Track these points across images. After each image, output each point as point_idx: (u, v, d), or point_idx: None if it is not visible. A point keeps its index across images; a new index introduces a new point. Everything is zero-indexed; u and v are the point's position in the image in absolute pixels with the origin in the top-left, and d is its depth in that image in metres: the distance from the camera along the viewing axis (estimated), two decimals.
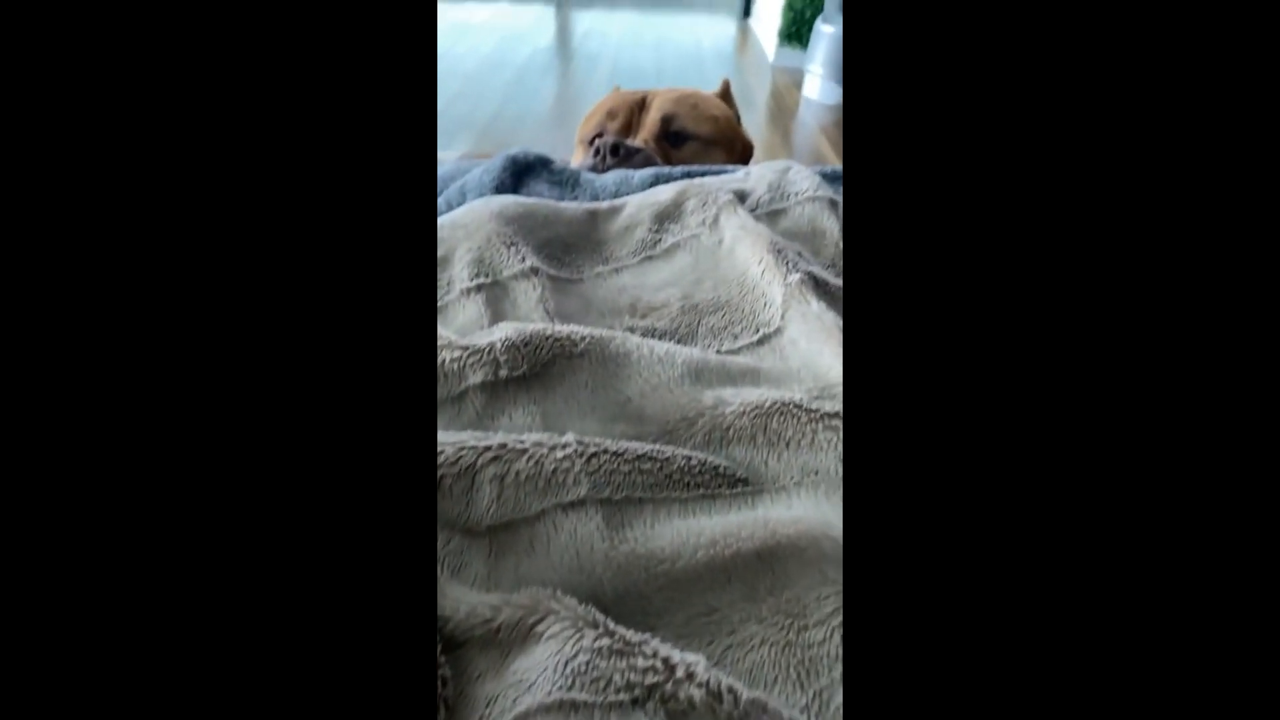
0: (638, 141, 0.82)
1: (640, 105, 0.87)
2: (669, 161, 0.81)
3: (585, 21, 3.55)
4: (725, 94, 0.96)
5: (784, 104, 2.46)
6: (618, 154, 0.75)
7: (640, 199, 0.59)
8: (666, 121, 0.83)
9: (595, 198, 0.66)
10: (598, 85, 2.55)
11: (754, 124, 2.21)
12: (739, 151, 0.90)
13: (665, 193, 0.59)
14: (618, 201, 0.60)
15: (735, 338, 0.45)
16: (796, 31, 2.86)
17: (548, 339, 0.40)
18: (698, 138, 0.84)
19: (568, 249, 0.54)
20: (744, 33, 3.44)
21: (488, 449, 0.33)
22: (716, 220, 0.54)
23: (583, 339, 0.41)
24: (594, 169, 0.75)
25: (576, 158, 0.91)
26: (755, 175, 0.62)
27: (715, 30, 3.45)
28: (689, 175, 0.67)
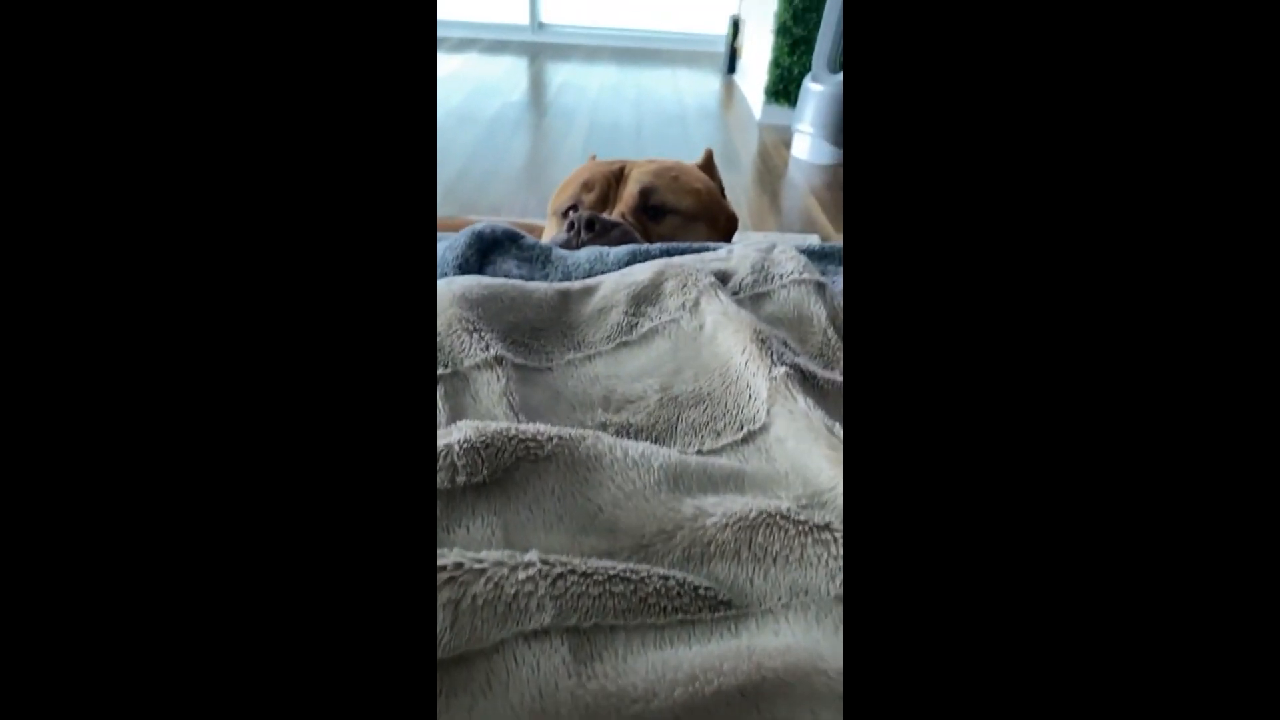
0: (615, 215, 0.84)
1: (618, 176, 0.90)
2: (648, 237, 0.83)
3: (561, 74, 3.67)
4: (708, 164, 0.99)
5: (772, 163, 2.54)
6: (593, 228, 0.77)
7: (616, 279, 0.60)
8: (646, 194, 0.85)
9: (567, 276, 0.67)
10: (573, 143, 2.62)
11: (740, 185, 2.27)
12: (722, 226, 0.92)
13: (643, 273, 0.60)
14: (591, 281, 0.61)
15: (718, 435, 0.46)
16: (784, 89, 2.98)
17: (511, 440, 0.40)
18: (678, 212, 0.86)
19: (536, 334, 0.55)
20: (729, 89, 3.57)
21: (442, 569, 0.32)
22: (697, 304, 0.55)
23: (550, 440, 0.41)
24: (567, 244, 0.77)
25: (548, 231, 0.93)
26: (738, 255, 0.64)
27: (698, 86, 3.58)
28: (668, 253, 0.69)
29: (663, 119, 2.96)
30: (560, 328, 0.56)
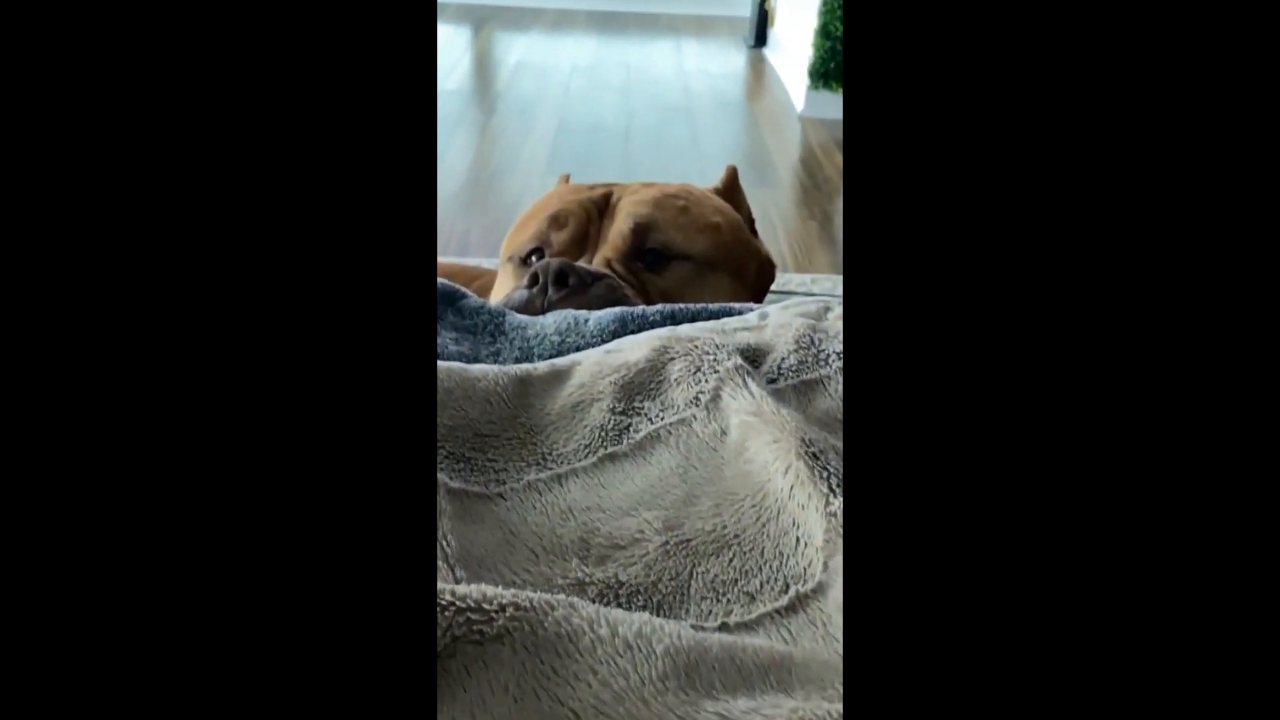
0: (596, 263, 0.86)
1: (601, 207, 0.91)
2: (645, 295, 0.84)
3: (516, 49, 3.76)
4: (731, 186, 1.02)
5: (820, 175, 2.59)
6: (565, 283, 0.78)
7: (598, 359, 0.61)
8: (641, 232, 0.87)
9: (527, 354, 0.68)
10: (534, 153, 2.67)
11: (778, 207, 2.31)
12: (752, 276, 0.93)
13: (636, 350, 0.61)
14: (562, 363, 0.61)
15: (751, 599, 0.46)
16: (836, 68, 3.05)
17: (445, 611, 0.39)
18: (688, 257, 0.87)
19: (482, 442, 0.55)
20: (757, 69, 3.66)
21: None
22: (717, 398, 0.56)
23: (502, 610, 0.40)
24: (528, 305, 0.78)
25: (501, 284, 0.94)
26: (775, 323, 0.65)
27: (713, 64, 3.67)
28: (673, 319, 0.70)
29: (662, 115, 3.03)
30: (517, 432, 0.56)
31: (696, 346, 0.59)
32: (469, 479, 0.52)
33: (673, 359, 0.59)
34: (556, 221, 0.90)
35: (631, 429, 0.56)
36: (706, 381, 0.57)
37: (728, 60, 3.78)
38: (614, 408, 0.57)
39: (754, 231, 1.02)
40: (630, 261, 0.86)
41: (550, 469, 0.54)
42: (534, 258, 0.90)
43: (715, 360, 0.58)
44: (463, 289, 0.75)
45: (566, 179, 1.09)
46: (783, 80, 3.43)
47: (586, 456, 0.54)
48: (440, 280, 0.74)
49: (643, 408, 0.57)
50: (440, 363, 0.59)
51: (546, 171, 2.45)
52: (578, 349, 0.67)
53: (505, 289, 0.90)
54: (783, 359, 0.60)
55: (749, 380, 0.56)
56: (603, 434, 0.55)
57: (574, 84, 3.31)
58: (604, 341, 0.67)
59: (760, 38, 3.92)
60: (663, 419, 0.56)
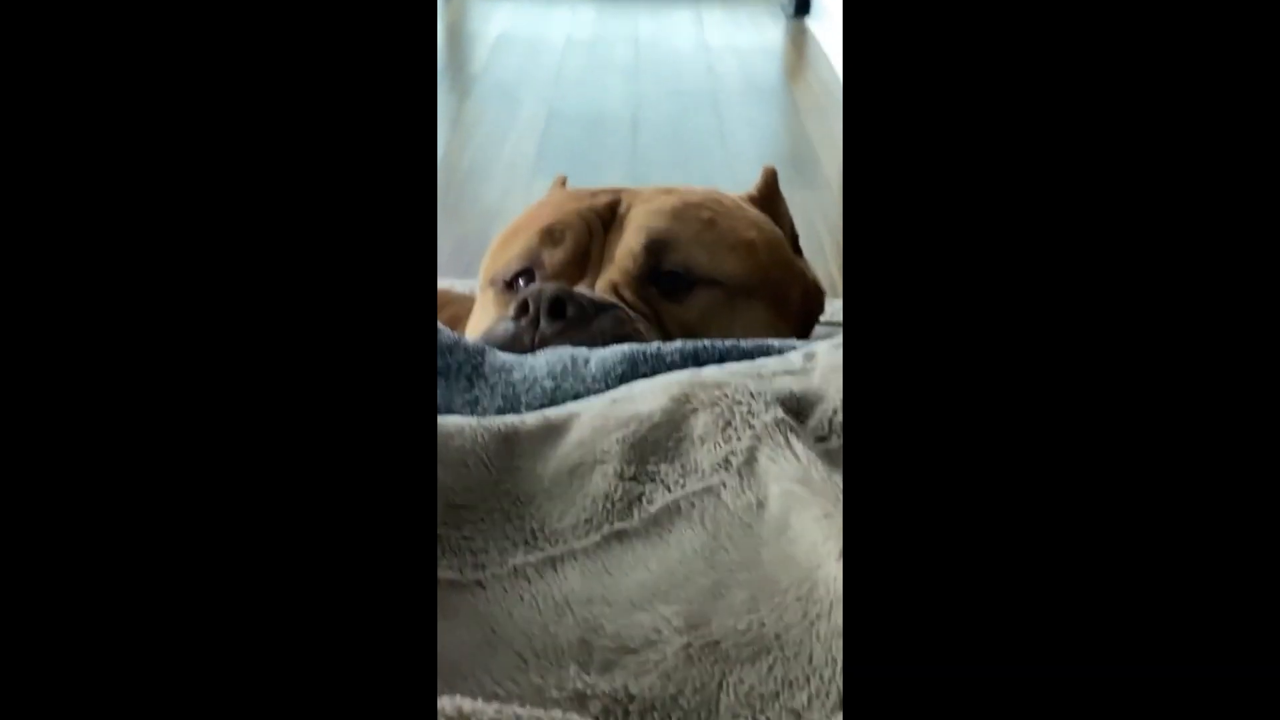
0: (600, 288, 0.86)
1: (606, 218, 0.92)
2: (661, 329, 0.85)
3: (498, 19, 3.79)
4: (768, 194, 1.03)
5: None
6: (562, 314, 0.79)
7: (600, 410, 0.62)
8: (656, 251, 0.88)
9: (513, 404, 0.68)
10: (519, 147, 2.68)
11: (827, 217, 2.31)
12: (795, 303, 0.95)
13: (649, 399, 0.61)
14: (557, 414, 0.62)
15: (797, 717, 0.46)
16: None
17: None
18: (715, 282, 0.88)
19: (456, 515, 0.56)
20: (798, 44, 3.68)
21: None
22: (752, 461, 0.56)
23: None
24: (514, 341, 0.79)
25: (480, 314, 0.94)
26: (826, 364, 0.65)
27: (743, 38, 3.69)
28: (696, 360, 0.70)
29: (680, 102, 3.04)
30: (500, 503, 0.57)
31: (726, 395, 0.60)
32: (440, 562, 0.52)
33: (696, 410, 0.59)
34: (550, 236, 0.90)
35: (644, 499, 0.56)
36: (739, 439, 0.57)
37: (761, 33, 3.80)
38: (622, 472, 0.57)
39: (797, 249, 1.03)
40: (643, 287, 0.87)
41: (542, 550, 0.54)
42: (522, 281, 0.91)
43: (749, 412, 0.58)
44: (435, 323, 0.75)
45: (562, 183, 1.10)
46: (829, 57, 3.45)
47: (588, 534, 0.55)
48: None
49: (658, 472, 0.57)
50: None
51: (534, 172, 2.43)
52: (576, 397, 0.67)
53: (486, 321, 0.91)
54: (835, 411, 0.60)
55: (792, 438, 0.56)
56: (608, 506, 0.56)
57: (569, 63, 3.33)
58: (609, 388, 0.68)
59: (802, 5, 3.94)
60: (684, 487, 0.56)
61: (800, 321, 0.96)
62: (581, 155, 2.60)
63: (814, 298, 0.98)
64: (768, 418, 0.58)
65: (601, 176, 2.27)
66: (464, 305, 1.12)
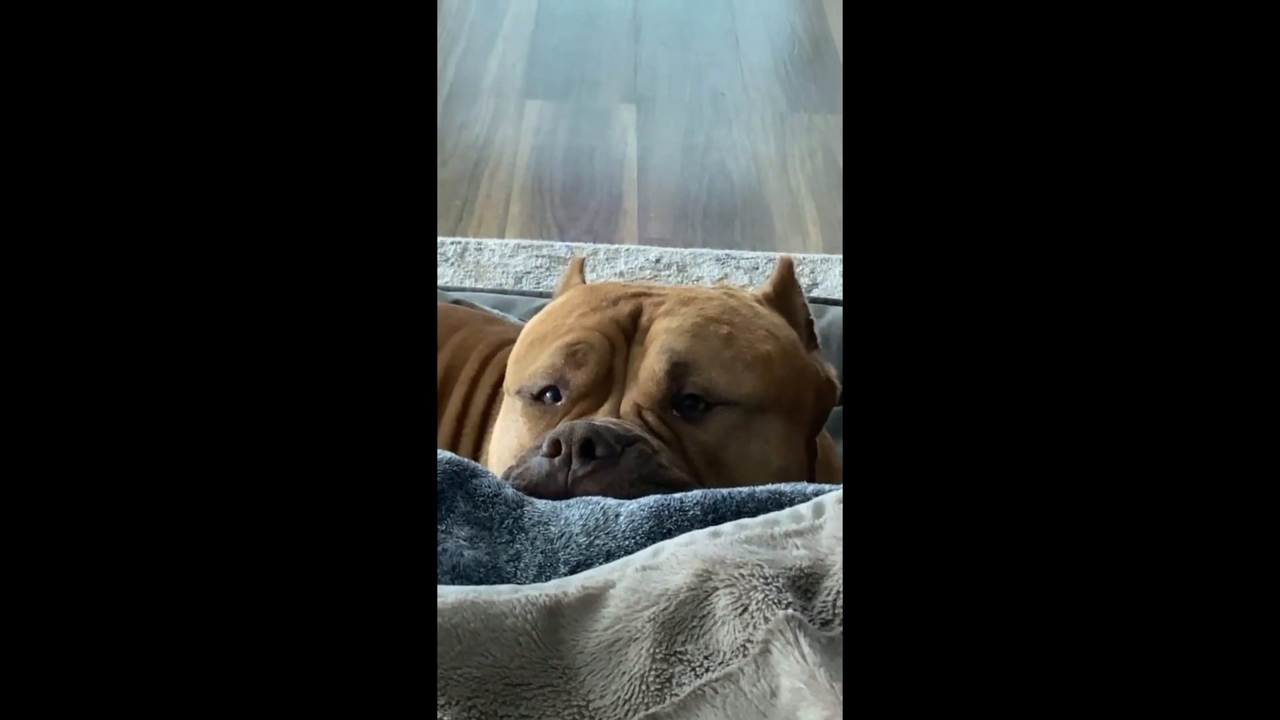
0: (625, 408, 0.92)
1: (628, 329, 0.97)
2: (681, 451, 0.90)
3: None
4: (783, 289, 1.06)
5: None
6: (592, 454, 0.85)
7: (633, 583, 0.66)
8: (678, 375, 0.93)
9: (551, 559, 0.75)
10: (502, 60, 2.44)
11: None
12: (809, 409, 0.99)
13: (677, 574, 0.66)
14: (594, 583, 0.67)
15: None
16: None
17: None
18: (734, 404, 0.93)
19: (514, 694, 0.61)
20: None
21: None
22: (766, 652, 0.61)
23: None
24: (549, 480, 0.84)
25: (506, 424, 0.99)
26: (831, 530, 0.70)
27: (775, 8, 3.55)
28: (715, 512, 0.76)
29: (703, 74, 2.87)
30: (550, 678, 0.62)
31: (743, 576, 0.64)
32: None
33: (717, 589, 0.63)
34: (574, 358, 0.95)
35: (674, 682, 0.60)
36: (756, 629, 0.61)
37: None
38: (654, 653, 0.61)
39: (812, 339, 1.08)
40: (665, 410, 0.92)
41: None
42: (548, 396, 0.96)
43: (765, 600, 0.62)
44: (473, 465, 0.81)
45: (580, 267, 1.14)
46: None
47: (627, 715, 0.59)
48: (448, 457, 0.80)
49: (685, 653, 0.61)
50: (458, 594, 0.64)
51: (524, 94, 2.29)
52: (608, 552, 0.73)
53: (515, 431, 0.96)
54: (839, 592, 0.64)
55: (800, 638, 0.60)
56: (644, 688, 0.60)
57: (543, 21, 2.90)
58: (637, 543, 0.73)
59: None
60: (708, 671, 0.60)
61: (814, 420, 1.01)
62: (576, 68, 2.41)
63: (827, 395, 1.03)
64: (780, 616, 0.61)
65: (598, 99, 2.20)
66: (472, 328, 1.17)
